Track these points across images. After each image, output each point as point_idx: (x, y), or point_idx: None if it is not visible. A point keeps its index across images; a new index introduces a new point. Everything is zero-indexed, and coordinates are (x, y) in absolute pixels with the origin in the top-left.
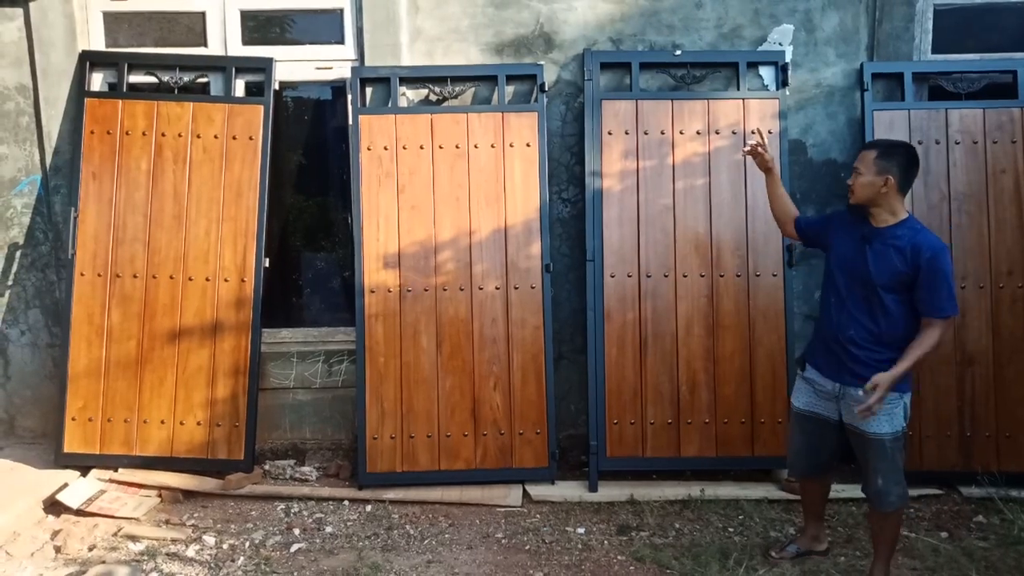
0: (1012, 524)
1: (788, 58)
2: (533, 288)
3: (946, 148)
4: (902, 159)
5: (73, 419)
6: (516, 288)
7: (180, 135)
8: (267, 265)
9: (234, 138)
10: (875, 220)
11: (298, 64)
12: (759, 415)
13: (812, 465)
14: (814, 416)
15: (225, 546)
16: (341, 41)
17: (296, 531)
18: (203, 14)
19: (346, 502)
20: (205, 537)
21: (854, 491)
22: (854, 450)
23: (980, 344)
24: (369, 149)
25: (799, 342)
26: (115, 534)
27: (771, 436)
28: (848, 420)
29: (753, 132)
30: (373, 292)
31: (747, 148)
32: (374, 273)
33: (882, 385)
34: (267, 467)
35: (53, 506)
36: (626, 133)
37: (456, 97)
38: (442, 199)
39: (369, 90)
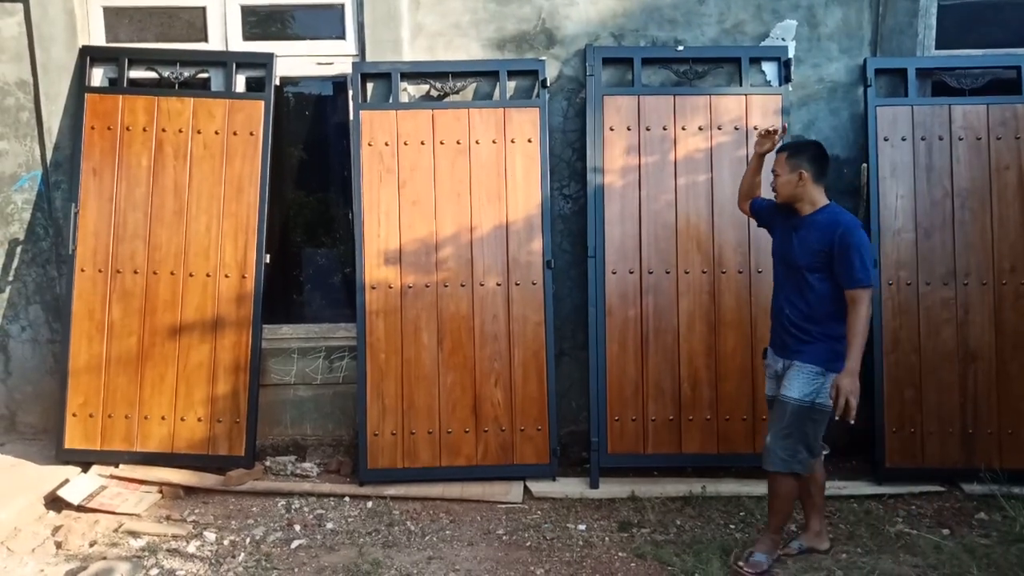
0: (1014, 521)
1: (791, 54)
2: (534, 284)
3: (949, 144)
4: (809, 153)
5: (74, 415)
6: (517, 284)
7: (181, 131)
8: (268, 261)
9: (235, 134)
10: (800, 211)
11: (299, 59)
12: (761, 411)
13: None
14: (775, 399)
15: (226, 542)
16: (342, 36)
17: (297, 527)
18: (203, 9)
19: (347, 498)
20: (206, 533)
21: (856, 488)
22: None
23: (983, 340)
24: (370, 145)
25: None
26: (116, 530)
27: None
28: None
29: (783, 127)
30: (374, 288)
31: (765, 129)
32: (375, 269)
33: (845, 388)
34: (268, 463)
35: (54, 502)
36: (628, 129)
37: (457, 92)
38: (443, 195)
39: (370, 85)
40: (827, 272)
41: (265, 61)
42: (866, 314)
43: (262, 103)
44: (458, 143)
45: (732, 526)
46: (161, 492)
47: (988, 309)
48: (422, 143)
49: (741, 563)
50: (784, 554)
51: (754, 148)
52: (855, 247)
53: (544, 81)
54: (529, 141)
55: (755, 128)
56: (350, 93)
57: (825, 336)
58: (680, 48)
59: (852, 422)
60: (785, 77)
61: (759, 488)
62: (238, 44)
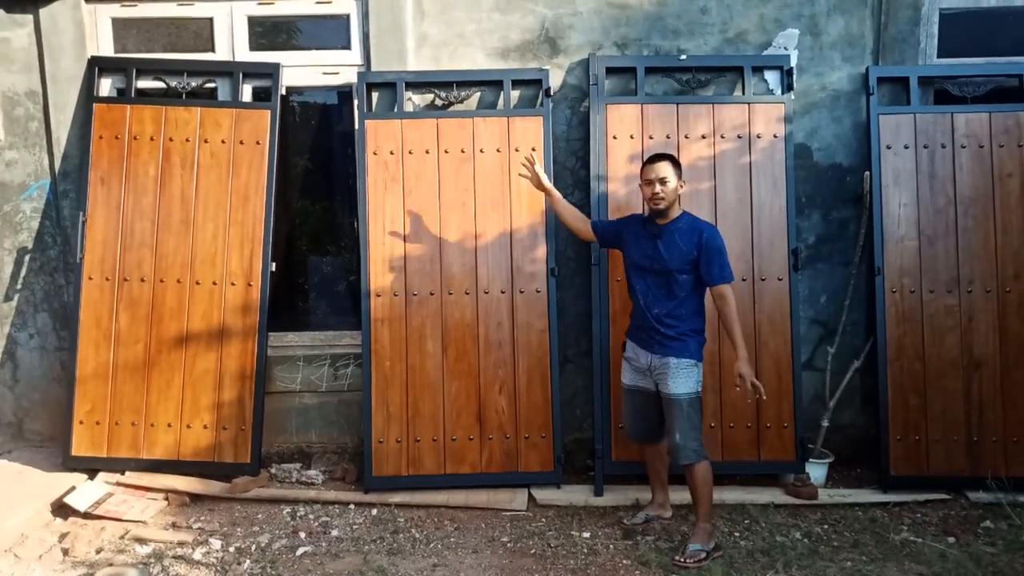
0: (1020, 530)
1: (793, 62)
2: (538, 292)
3: (952, 152)
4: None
5: (81, 422)
6: (521, 292)
7: (188, 140)
8: (274, 269)
9: (241, 143)
10: (663, 219)
11: (305, 69)
12: (764, 419)
13: (646, 430)
14: (638, 389)
15: (232, 549)
16: (348, 46)
17: (302, 534)
18: (211, 20)
19: (352, 506)
20: (212, 540)
21: (861, 496)
22: (664, 413)
23: (987, 348)
24: (375, 154)
25: (805, 346)
26: (122, 537)
27: (777, 440)
28: (660, 386)
29: (529, 154)
30: (379, 296)
31: (526, 162)
32: (380, 277)
33: (747, 373)
34: (273, 471)
35: (61, 509)
36: (631, 137)
37: (462, 102)
38: (448, 203)
39: (375, 95)
40: (693, 273)
41: (271, 71)
42: (735, 305)
43: (268, 112)
44: (462, 152)
45: (736, 534)
46: (167, 499)
47: (992, 316)
48: (427, 152)
49: (679, 557)
50: (632, 524)
51: (536, 186)
52: (718, 249)
53: (548, 90)
54: (533, 150)
55: (758, 136)
56: (355, 103)
57: (693, 332)
58: (683, 57)
59: (764, 397)
60: (788, 86)
61: (764, 496)
62: (245, 54)
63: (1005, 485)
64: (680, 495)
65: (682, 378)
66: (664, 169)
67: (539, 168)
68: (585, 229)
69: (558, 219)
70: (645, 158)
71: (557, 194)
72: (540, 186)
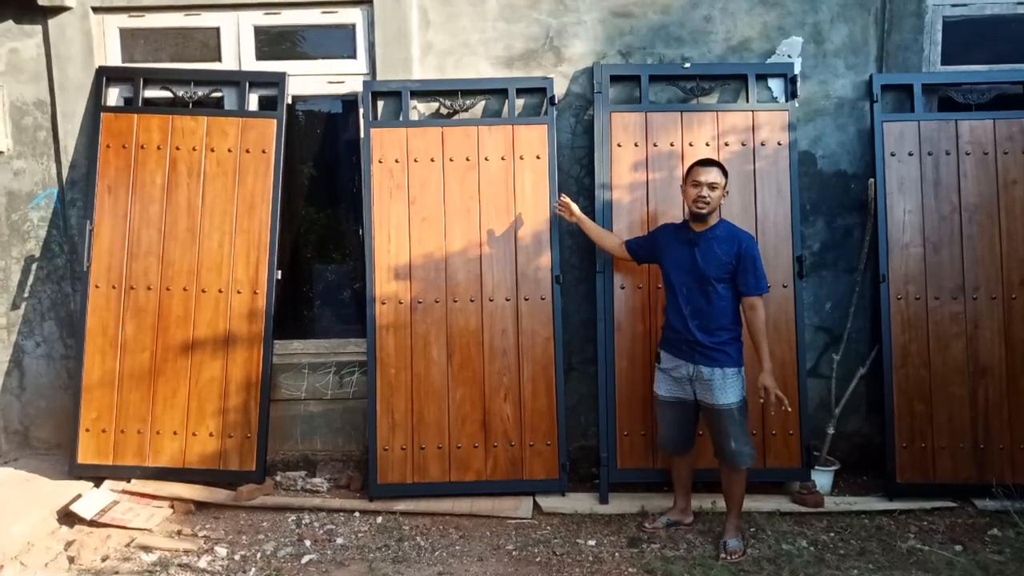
0: None
1: (797, 70)
2: (543, 299)
3: (956, 159)
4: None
5: (87, 430)
6: (526, 299)
7: (194, 149)
8: (279, 277)
9: (247, 151)
10: (702, 225)
11: (310, 78)
12: (770, 427)
13: (681, 441)
14: (677, 400)
15: (237, 557)
16: (353, 55)
17: (307, 542)
18: (217, 30)
19: (357, 513)
20: (217, 548)
21: (867, 504)
22: (706, 423)
23: (993, 355)
24: (381, 162)
25: (810, 353)
26: (128, 545)
27: (782, 448)
28: (701, 397)
29: (559, 200)
30: (384, 303)
31: (561, 204)
32: (385, 284)
33: (771, 385)
34: (278, 478)
35: (67, 517)
36: (635, 145)
37: (467, 110)
38: (453, 211)
39: (380, 103)
40: (730, 281)
41: (277, 80)
42: (765, 316)
43: (274, 121)
44: (467, 160)
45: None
46: (172, 507)
47: (998, 323)
48: (432, 160)
49: (724, 555)
50: (653, 528)
51: (569, 220)
52: (756, 259)
53: (552, 98)
54: (537, 158)
55: (762, 144)
56: (361, 111)
57: (734, 339)
58: (687, 65)
59: (790, 409)
60: (791, 93)
61: (769, 503)
62: (251, 63)
63: (1012, 492)
64: (670, 502)
65: (730, 388)
66: (715, 175)
67: (573, 206)
68: (619, 250)
69: (586, 236)
70: (696, 161)
71: (587, 221)
72: (573, 217)
